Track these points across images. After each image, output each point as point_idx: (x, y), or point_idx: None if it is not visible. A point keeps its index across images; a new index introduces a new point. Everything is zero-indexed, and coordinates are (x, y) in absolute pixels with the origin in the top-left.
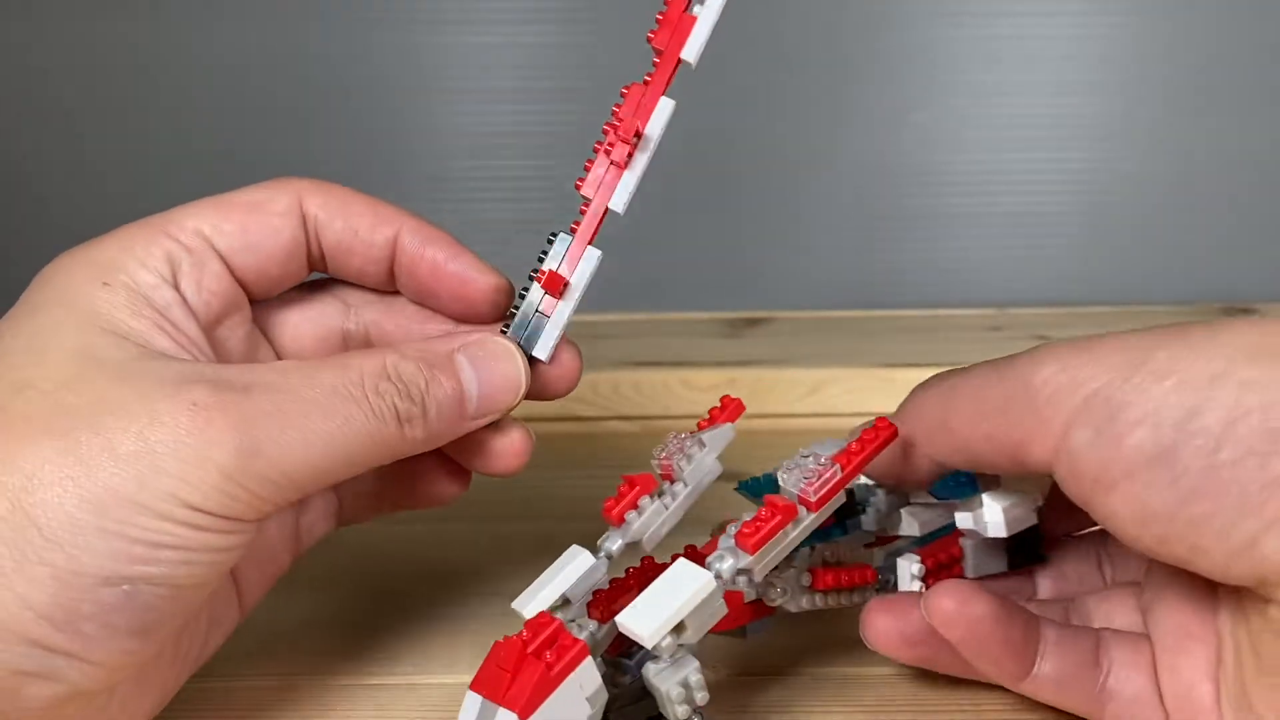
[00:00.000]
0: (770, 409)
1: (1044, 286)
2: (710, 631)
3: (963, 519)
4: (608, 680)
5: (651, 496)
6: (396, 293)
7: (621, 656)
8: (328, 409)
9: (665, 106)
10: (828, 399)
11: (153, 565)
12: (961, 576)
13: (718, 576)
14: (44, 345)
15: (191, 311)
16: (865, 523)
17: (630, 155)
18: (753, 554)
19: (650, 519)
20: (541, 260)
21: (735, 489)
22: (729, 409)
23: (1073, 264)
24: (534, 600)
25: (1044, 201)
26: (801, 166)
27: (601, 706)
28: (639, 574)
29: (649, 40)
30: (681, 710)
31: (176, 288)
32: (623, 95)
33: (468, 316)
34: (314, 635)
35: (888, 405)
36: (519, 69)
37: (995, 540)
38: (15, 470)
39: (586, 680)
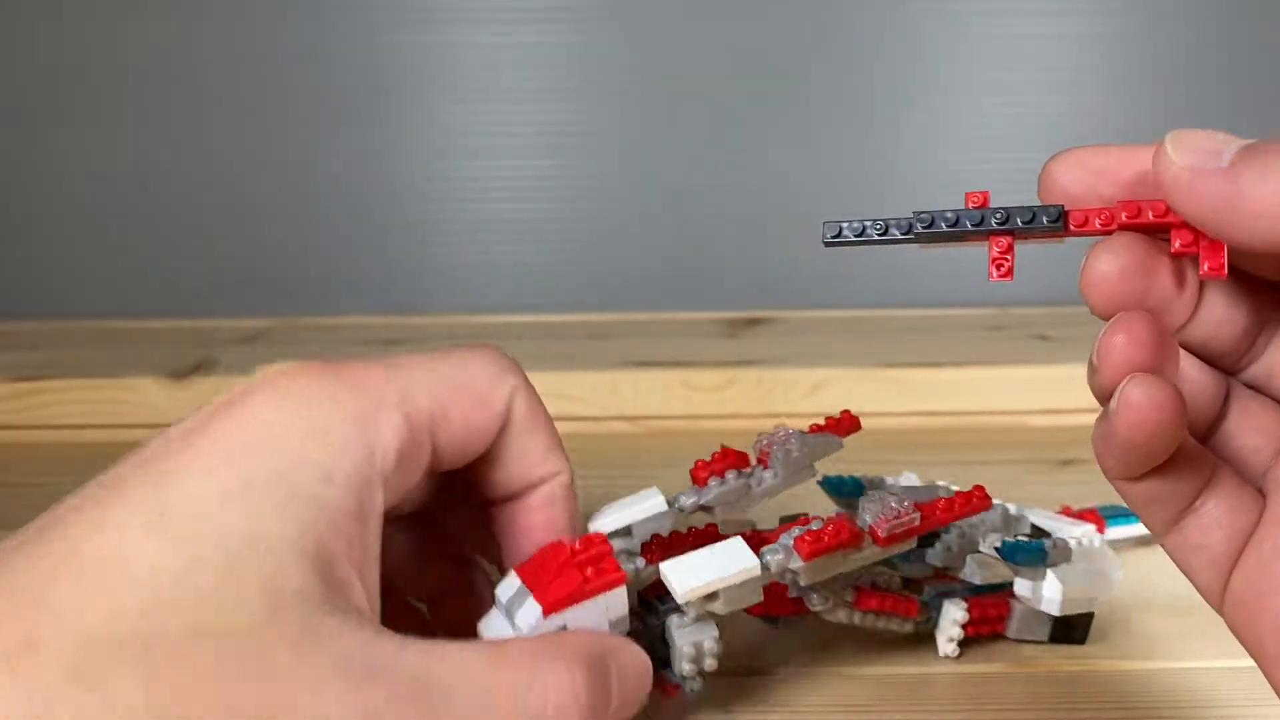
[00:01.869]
0: (770, 409)
1: (1044, 286)
2: (745, 611)
3: (1021, 586)
4: (637, 615)
5: (739, 473)
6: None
7: (657, 599)
8: None
9: None
10: (828, 399)
11: None
12: (1002, 634)
13: (765, 567)
14: (241, 568)
15: (380, 519)
16: (931, 556)
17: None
18: (805, 561)
19: (729, 491)
20: None
21: (818, 482)
22: (844, 422)
23: (1073, 264)
24: (601, 520)
25: None
26: (801, 166)
27: (623, 633)
28: (699, 535)
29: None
30: (688, 667)
31: (386, 488)
32: None
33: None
34: None
35: (888, 405)
36: (520, 69)
37: (1045, 613)
38: None
39: (614, 605)
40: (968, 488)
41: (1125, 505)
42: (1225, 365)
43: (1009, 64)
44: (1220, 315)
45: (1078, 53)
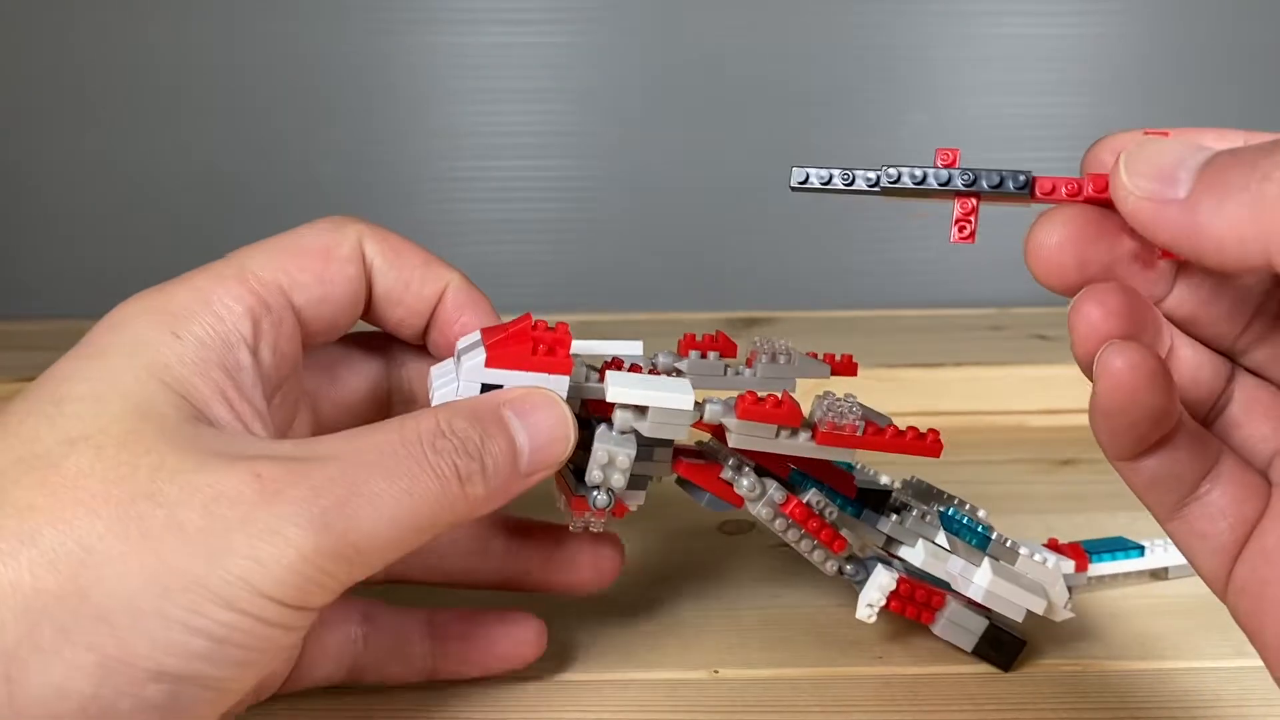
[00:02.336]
0: None
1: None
2: (682, 477)
3: (954, 564)
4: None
5: (721, 359)
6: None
7: (595, 418)
8: (391, 471)
9: None
10: None
11: (209, 664)
12: (927, 625)
13: (699, 407)
14: (103, 394)
15: (261, 377)
16: (882, 525)
17: None
18: (738, 418)
19: (704, 366)
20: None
21: None
22: (844, 363)
23: None
24: (577, 344)
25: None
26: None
27: None
28: (654, 371)
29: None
30: (596, 474)
31: (255, 351)
32: None
33: None
34: None
35: (887, 405)
36: (520, 69)
37: (977, 619)
38: (70, 539)
39: (553, 390)
40: (964, 489)
41: (1114, 540)
42: (1221, 347)
43: (1010, 64)
44: (1204, 295)
45: (1079, 52)
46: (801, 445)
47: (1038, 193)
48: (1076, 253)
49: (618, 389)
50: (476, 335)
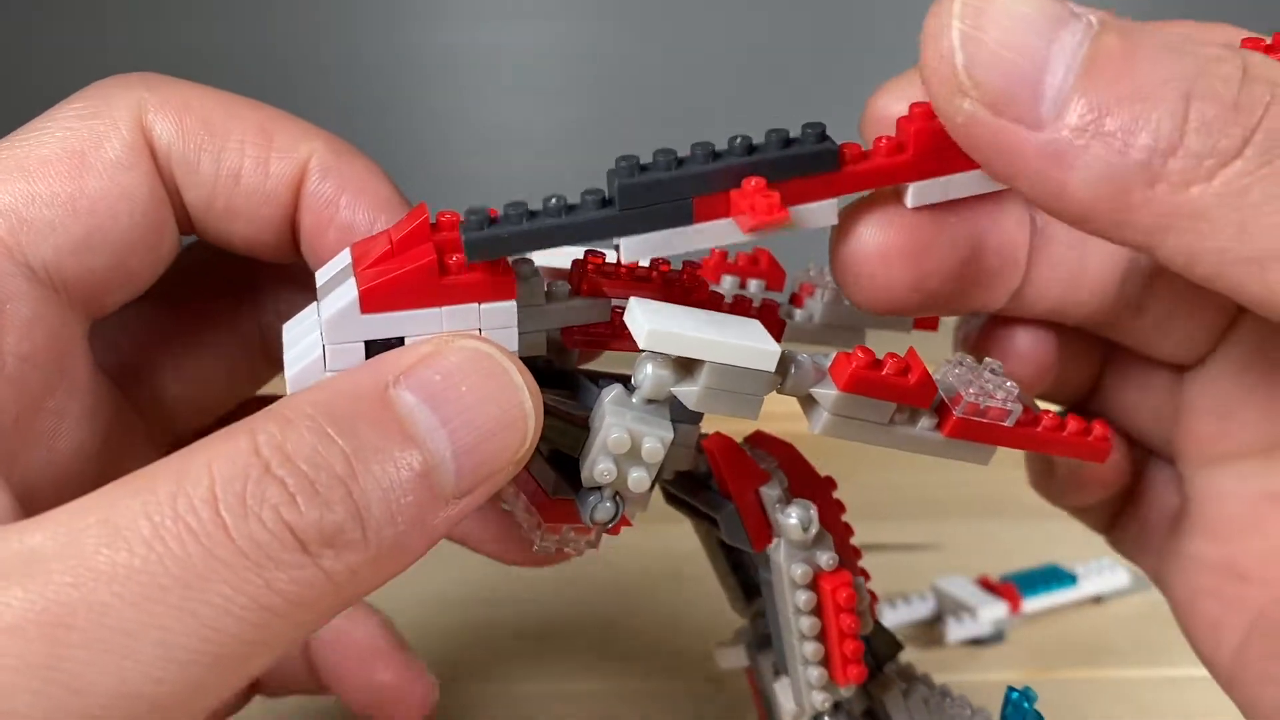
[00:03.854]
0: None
1: None
2: (700, 470)
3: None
4: (546, 394)
5: (766, 291)
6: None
7: (588, 376)
8: (144, 598)
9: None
10: None
11: None
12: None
13: (783, 361)
14: None
15: None
16: (877, 686)
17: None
18: (840, 389)
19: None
20: None
21: None
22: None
23: None
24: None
25: None
26: None
27: None
28: (682, 285)
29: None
30: (604, 468)
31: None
32: None
33: None
34: None
35: None
36: (532, 67)
37: None
38: None
39: (488, 334)
40: (963, 491)
41: (1046, 571)
42: (1092, 325)
43: None
44: (1069, 271)
45: None
46: (922, 438)
47: (846, 159)
48: (912, 264)
49: (650, 325)
50: (346, 258)
